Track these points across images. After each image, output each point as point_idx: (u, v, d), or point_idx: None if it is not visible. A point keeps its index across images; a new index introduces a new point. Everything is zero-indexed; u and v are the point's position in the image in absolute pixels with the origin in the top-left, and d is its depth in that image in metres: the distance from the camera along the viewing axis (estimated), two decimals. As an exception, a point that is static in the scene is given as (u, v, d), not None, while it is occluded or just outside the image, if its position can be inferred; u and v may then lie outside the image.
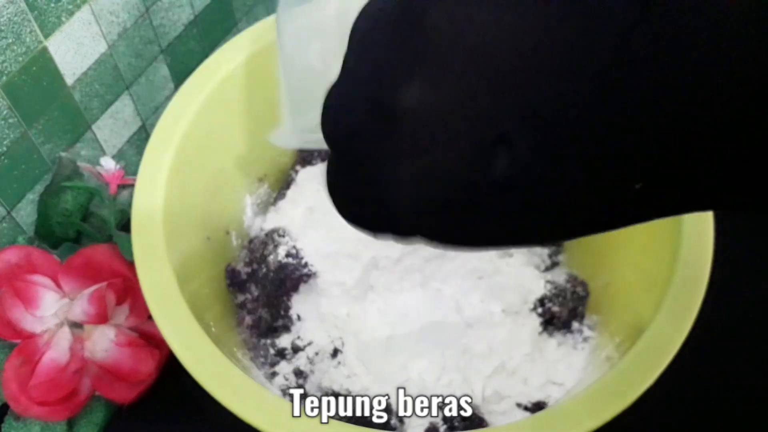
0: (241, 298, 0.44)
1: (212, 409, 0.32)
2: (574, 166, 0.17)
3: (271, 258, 0.43)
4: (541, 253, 0.47)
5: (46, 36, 0.41)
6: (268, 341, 0.43)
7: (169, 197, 0.37)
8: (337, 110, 0.20)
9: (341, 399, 0.40)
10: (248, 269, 0.44)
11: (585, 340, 0.42)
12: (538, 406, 0.39)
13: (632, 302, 0.39)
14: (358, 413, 0.38)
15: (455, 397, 0.39)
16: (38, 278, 0.41)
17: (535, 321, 0.42)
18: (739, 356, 0.49)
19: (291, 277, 0.42)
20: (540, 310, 0.43)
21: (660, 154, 0.17)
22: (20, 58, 0.40)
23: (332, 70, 0.21)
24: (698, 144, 0.17)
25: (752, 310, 0.50)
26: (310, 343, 0.42)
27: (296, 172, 0.49)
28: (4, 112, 0.41)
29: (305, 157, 0.49)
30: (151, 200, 0.37)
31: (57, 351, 0.41)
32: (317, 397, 0.41)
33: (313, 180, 0.48)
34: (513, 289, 0.42)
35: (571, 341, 0.42)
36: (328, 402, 0.41)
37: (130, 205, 0.45)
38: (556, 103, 0.17)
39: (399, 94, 0.18)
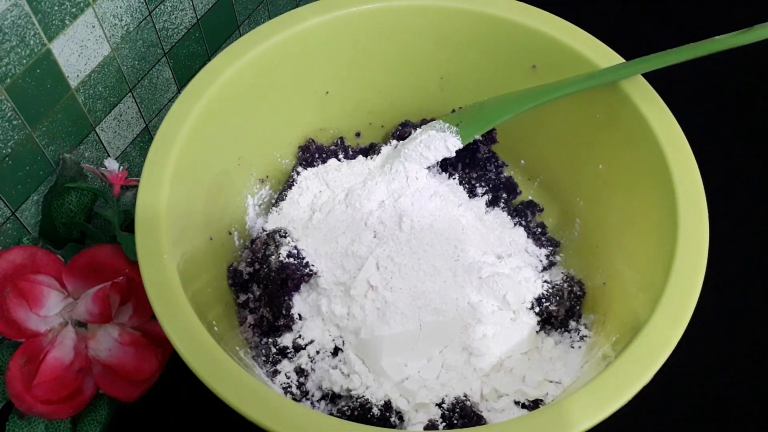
0: (243, 297, 0.45)
1: (215, 407, 0.33)
2: None
3: (272, 258, 0.43)
4: (539, 253, 0.48)
5: (50, 39, 0.42)
6: (270, 340, 0.43)
7: (173, 198, 0.38)
8: None
9: (342, 397, 0.41)
10: (250, 269, 0.44)
11: (582, 338, 0.42)
12: (535, 404, 0.40)
13: (628, 301, 0.39)
14: (359, 411, 0.39)
15: (454, 394, 0.40)
16: (42, 278, 0.42)
17: (533, 320, 0.43)
18: (735, 355, 0.49)
19: (292, 277, 0.42)
20: (537, 309, 0.43)
21: None
22: (24, 61, 0.40)
23: None
24: None
25: (747, 309, 0.51)
26: (311, 342, 0.43)
27: (298, 173, 0.49)
28: (9, 114, 0.41)
29: (306, 159, 0.50)
30: (154, 201, 0.37)
31: (61, 350, 0.41)
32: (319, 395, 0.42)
33: (314, 181, 0.49)
34: (511, 288, 0.42)
35: (568, 340, 0.43)
36: (330, 399, 0.41)
37: (133, 205, 0.45)
38: None
39: None
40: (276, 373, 0.42)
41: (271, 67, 0.44)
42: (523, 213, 0.49)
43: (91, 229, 0.47)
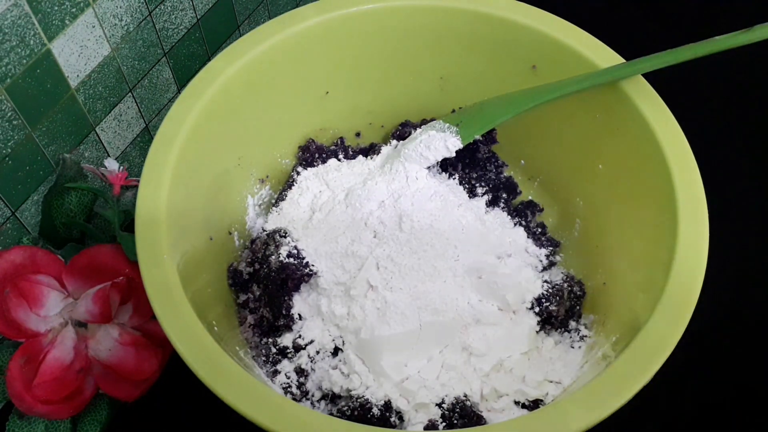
0: (243, 297, 0.45)
1: (215, 407, 0.33)
2: None
3: (272, 258, 0.43)
4: (539, 253, 0.48)
5: (50, 39, 0.42)
6: (270, 340, 0.43)
7: (172, 198, 0.38)
8: None
9: (342, 397, 0.41)
10: (250, 269, 0.44)
11: (582, 338, 0.42)
12: (535, 404, 0.40)
13: (628, 301, 0.39)
14: (359, 411, 0.39)
15: (454, 394, 0.40)
16: (42, 278, 0.42)
17: (533, 320, 0.43)
18: (734, 355, 0.49)
19: (292, 277, 0.42)
20: (537, 309, 0.43)
21: None
22: (24, 61, 0.40)
23: None
24: None
25: (747, 309, 0.51)
26: (311, 342, 0.43)
27: (298, 173, 0.49)
28: (9, 114, 0.41)
29: (306, 159, 0.50)
30: (154, 201, 0.37)
31: (61, 350, 0.41)
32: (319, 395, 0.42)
33: (314, 181, 0.49)
34: (511, 288, 0.42)
35: (568, 340, 0.43)
36: (330, 399, 0.41)
37: (133, 205, 0.45)
38: None
39: None
40: (276, 373, 0.42)
41: (271, 67, 0.44)
42: (523, 213, 0.49)
43: (91, 229, 0.47)
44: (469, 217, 0.46)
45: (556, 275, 0.46)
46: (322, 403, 0.41)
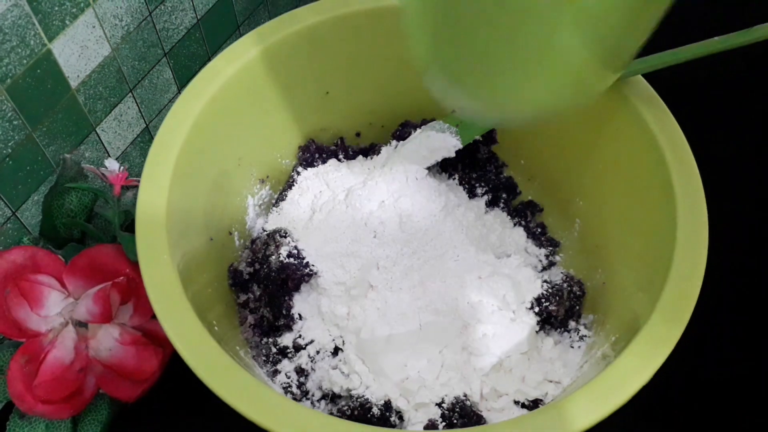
0: (243, 297, 0.45)
1: (215, 407, 0.33)
2: None
3: (272, 258, 0.43)
4: (539, 253, 0.48)
5: (50, 39, 0.42)
6: (270, 340, 0.43)
7: (173, 198, 0.38)
8: None
9: (342, 396, 0.41)
10: (250, 269, 0.44)
11: (581, 338, 0.43)
12: (535, 404, 0.40)
13: (628, 301, 0.39)
14: (359, 410, 0.39)
15: (454, 394, 0.40)
16: (43, 278, 0.42)
17: (533, 320, 0.43)
18: (734, 355, 0.49)
19: (292, 277, 0.42)
20: (537, 309, 0.43)
21: None
22: (24, 61, 0.41)
23: None
24: None
25: (747, 309, 0.51)
26: (311, 342, 0.43)
27: (298, 173, 0.49)
28: (9, 114, 0.41)
29: (307, 159, 0.50)
30: (154, 201, 0.37)
31: (62, 350, 0.41)
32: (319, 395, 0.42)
33: (314, 181, 0.49)
34: (510, 288, 0.42)
35: (567, 340, 0.43)
36: (330, 399, 0.41)
37: (133, 206, 0.45)
38: None
39: None
40: (276, 372, 0.42)
41: (271, 67, 0.44)
42: (523, 213, 0.49)
43: (91, 229, 0.47)
44: (469, 217, 0.46)
45: (556, 275, 0.46)
46: (322, 402, 0.41)
